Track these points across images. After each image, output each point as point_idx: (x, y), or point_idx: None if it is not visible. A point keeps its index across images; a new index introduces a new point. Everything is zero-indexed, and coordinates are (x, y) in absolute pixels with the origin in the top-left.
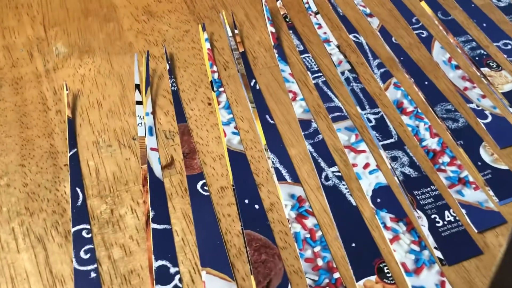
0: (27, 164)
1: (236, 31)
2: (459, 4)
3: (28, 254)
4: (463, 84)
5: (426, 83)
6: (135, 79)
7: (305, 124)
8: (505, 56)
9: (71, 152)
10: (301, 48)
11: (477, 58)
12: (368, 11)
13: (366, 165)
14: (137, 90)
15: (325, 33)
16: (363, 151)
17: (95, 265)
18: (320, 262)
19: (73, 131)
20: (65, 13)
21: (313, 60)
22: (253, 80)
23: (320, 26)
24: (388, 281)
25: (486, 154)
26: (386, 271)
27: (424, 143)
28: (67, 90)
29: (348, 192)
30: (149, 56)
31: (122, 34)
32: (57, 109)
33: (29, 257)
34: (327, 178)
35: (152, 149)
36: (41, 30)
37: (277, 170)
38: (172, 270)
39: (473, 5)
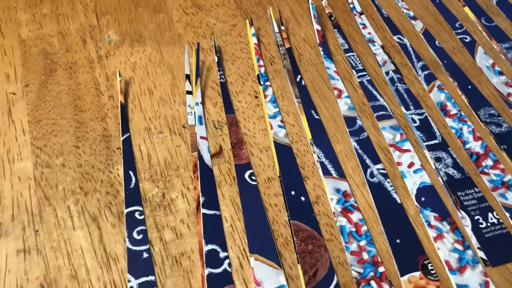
0: (81, 146)
1: (282, 27)
2: (502, 11)
3: (83, 231)
4: (507, 90)
5: (470, 87)
6: (185, 70)
7: (350, 121)
8: None
9: (124, 137)
10: (346, 47)
11: None
12: (411, 14)
13: (411, 164)
14: (187, 80)
15: (369, 33)
16: (408, 151)
17: (147, 246)
18: (365, 256)
19: (125, 116)
20: (116, 2)
21: (357, 59)
22: (299, 76)
23: (364, 26)
24: (432, 278)
25: None
26: (430, 267)
27: (467, 146)
28: (119, 76)
29: (393, 189)
30: (199, 48)
31: (171, 25)
32: (109, 94)
33: (84, 234)
34: (372, 175)
35: (201, 137)
36: (93, 18)
37: (322, 165)
38: (222, 254)
39: None
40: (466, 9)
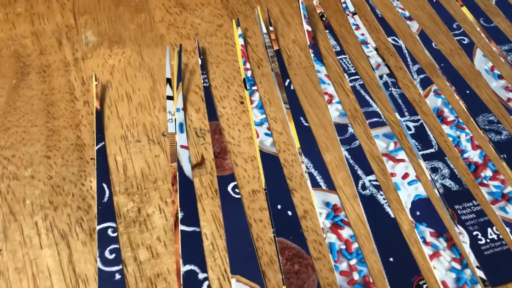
0: (52, 156)
1: (270, 28)
2: (502, 11)
3: (51, 250)
4: (507, 95)
5: (468, 92)
6: (166, 73)
7: (341, 128)
8: None
9: (98, 146)
10: (338, 49)
11: None
12: (407, 14)
13: (405, 175)
14: (168, 84)
15: (362, 34)
16: (402, 160)
17: (120, 266)
18: (356, 276)
19: (101, 123)
20: (96, 1)
21: (350, 62)
22: (288, 80)
23: (357, 27)
24: None
25: None
26: None
27: (465, 155)
28: (96, 81)
29: (386, 203)
30: (181, 50)
31: (153, 25)
32: (85, 99)
33: (52, 253)
34: (364, 187)
35: (182, 146)
36: (70, 18)
37: (311, 176)
38: (201, 276)
39: None
40: (464, 9)
